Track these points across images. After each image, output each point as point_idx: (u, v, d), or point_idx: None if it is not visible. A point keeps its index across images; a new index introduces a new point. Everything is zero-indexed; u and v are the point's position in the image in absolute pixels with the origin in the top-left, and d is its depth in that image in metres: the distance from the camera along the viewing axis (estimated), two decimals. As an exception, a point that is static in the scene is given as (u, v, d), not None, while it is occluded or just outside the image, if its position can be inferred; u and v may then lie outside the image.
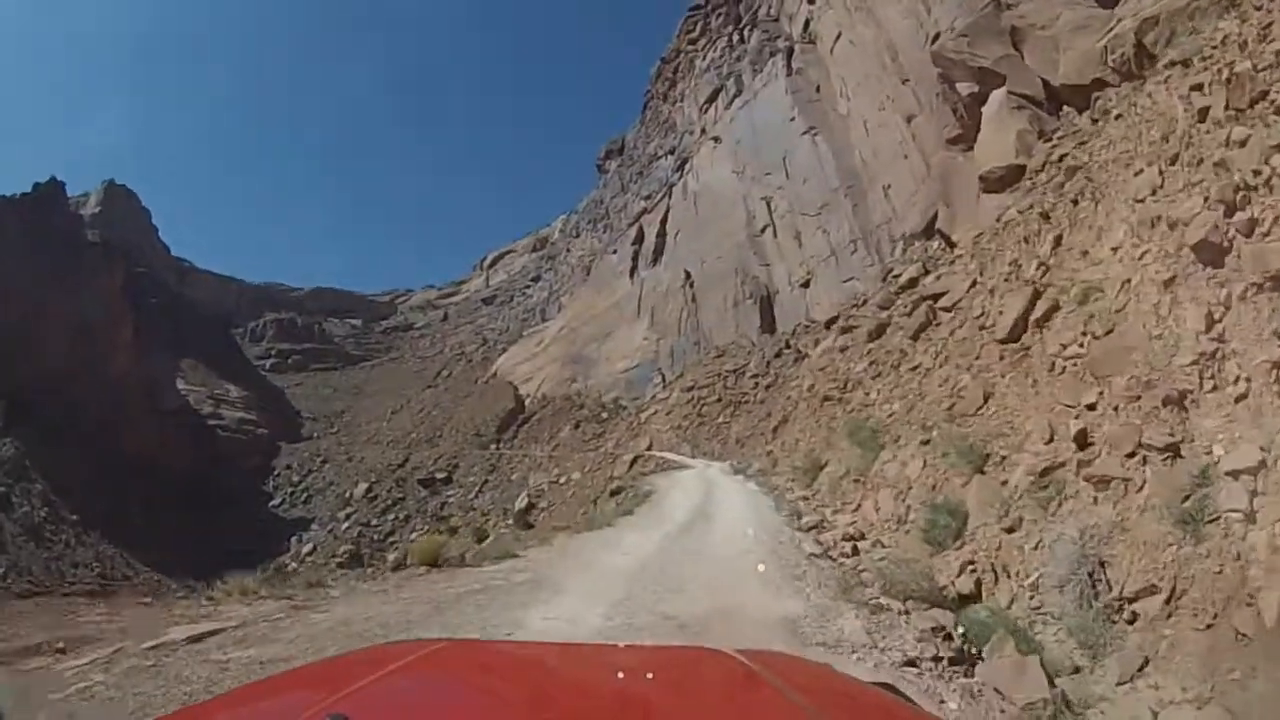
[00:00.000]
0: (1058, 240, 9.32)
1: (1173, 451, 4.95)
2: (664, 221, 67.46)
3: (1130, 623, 4.63)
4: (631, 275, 69.34)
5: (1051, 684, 3.98)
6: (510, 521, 42.51)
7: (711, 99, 66.19)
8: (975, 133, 21.87)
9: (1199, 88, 7.61)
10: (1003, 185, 19.18)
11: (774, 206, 53.42)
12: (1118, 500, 5.06)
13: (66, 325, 57.07)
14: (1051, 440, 6.15)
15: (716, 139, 63.03)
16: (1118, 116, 10.28)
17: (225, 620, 4.97)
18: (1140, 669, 4.29)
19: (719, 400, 42.54)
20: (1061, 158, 16.20)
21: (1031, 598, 5.23)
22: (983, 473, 6.89)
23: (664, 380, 55.59)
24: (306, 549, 56.12)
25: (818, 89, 51.90)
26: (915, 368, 13.77)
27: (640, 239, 70.80)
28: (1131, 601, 4.60)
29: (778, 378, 38.98)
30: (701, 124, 67.10)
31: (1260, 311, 4.84)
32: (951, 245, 21.32)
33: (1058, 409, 6.22)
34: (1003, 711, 3.80)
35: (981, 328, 11.05)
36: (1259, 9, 7.50)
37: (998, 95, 21.18)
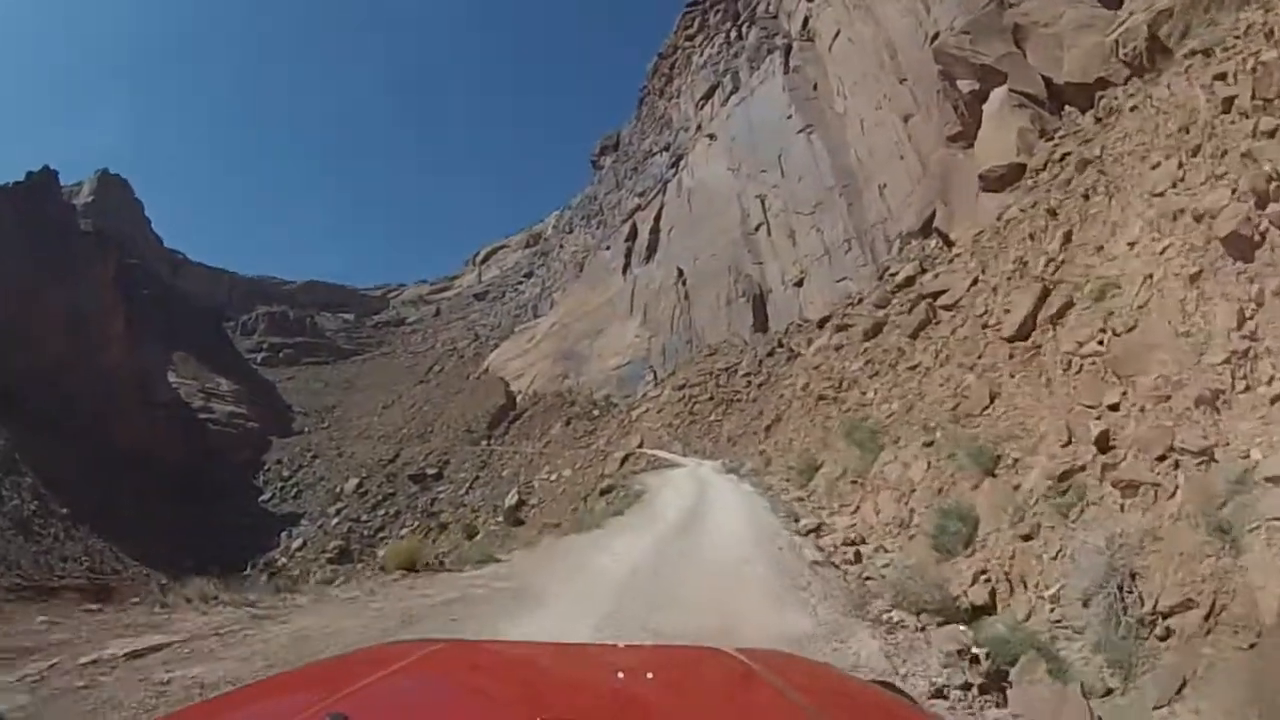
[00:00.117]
0: (1067, 236, 8.99)
1: (1207, 455, 4.60)
2: (658, 218, 67.08)
3: (1163, 639, 4.27)
4: (624, 272, 68.95)
5: (1092, 715, 3.61)
6: (500, 518, 42.16)
7: (708, 96, 65.80)
8: (975, 130, 21.60)
9: (1222, 77, 7.29)
10: (1003, 184, 18.91)
11: (768, 204, 53.13)
12: (1147, 507, 4.70)
13: (59, 316, 56.38)
14: (1069, 442, 5.79)
15: (712, 136, 62.66)
16: (1133, 109, 9.97)
17: (175, 632, 4.53)
18: (1179, 691, 3.93)
19: (711, 398, 42.24)
20: (1064, 156, 15.92)
21: (1051, 610, 4.87)
22: (993, 476, 6.53)
23: (656, 378, 55.25)
24: (297, 544, 55.79)
25: (815, 87, 51.62)
26: (914, 367, 13.45)
27: (634, 236, 70.38)
28: (1166, 617, 4.24)
29: (770, 376, 38.72)
30: (697, 121, 66.69)
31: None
32: (950, 244, 21.04)
33: (1076, 409, 5.87)
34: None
35: (984, 326, 10.72)
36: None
37: (999, 93, 20.90)
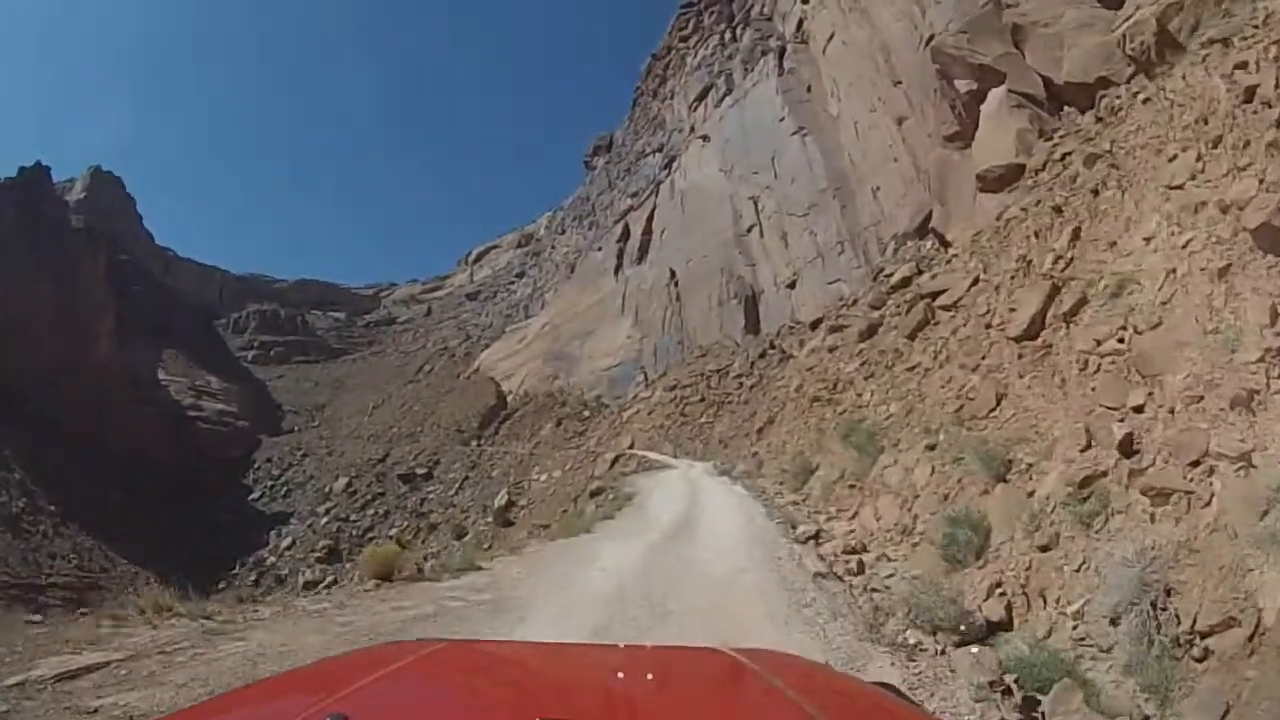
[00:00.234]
0: (1076, 233, 8.67)
1: (1245, 460, 4.26)
2: (650, 219, 66.74)
3: (1201, 660, 3.92)
4: (616, 273, 68.56)
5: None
6: (490, 519, 41.71)
7: (701, 97, 65.55)
8: (973, 131, 21.35)
9: (1243, 66, 6.99)
10: (1001, 184, 18.66)
11: (761, 206, 52.91)
12: (1180, 517, 4.35)
13: (49, 312, 55.72)
14: (1089, 446, 5.44)
15: (705, 137, 62.39)
16: (1146, 101, 9.69)
17: (118, 649, 4.09)
18: (1222, 717, 3.58)
19: (702, 400, 41.91)
20: (1065, 155, 15.68)
21: (1075, 627, 4.51)
22: (1005, 481, 6.18)
23: (647, 379, 54.89)
24: (286, 543, 55.39)
25: (809, 89, 51.47)
26: (913, 368, 13.13)
27: (626, 236, 70.00)
28: (1205, 636, 3.89)
29: (762, 378, 38.42)
30: (691, 122, 66.43)
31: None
32: (946, 245, 20.78)
33: (1097, 411, 5.52)
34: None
35: (988, 326, 10.40)
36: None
37: (997, 94, 20.67)
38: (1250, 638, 3.75)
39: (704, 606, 5.44)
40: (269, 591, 48.04)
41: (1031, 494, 5.77)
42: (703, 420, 39.34)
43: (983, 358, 9.58)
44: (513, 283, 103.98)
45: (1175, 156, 7.35)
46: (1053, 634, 4.62)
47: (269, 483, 67.59)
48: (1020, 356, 7.74)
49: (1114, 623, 4.32)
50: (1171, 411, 4.83)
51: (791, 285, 47.67)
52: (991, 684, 3.81)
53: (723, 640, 4.68)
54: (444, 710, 1.32)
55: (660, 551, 8.06)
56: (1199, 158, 6.88)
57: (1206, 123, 7.06)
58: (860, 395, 15.53)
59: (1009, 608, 4.95)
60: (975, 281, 12.83)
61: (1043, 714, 3.69)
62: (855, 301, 30.48)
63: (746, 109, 57.03)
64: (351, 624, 4.80)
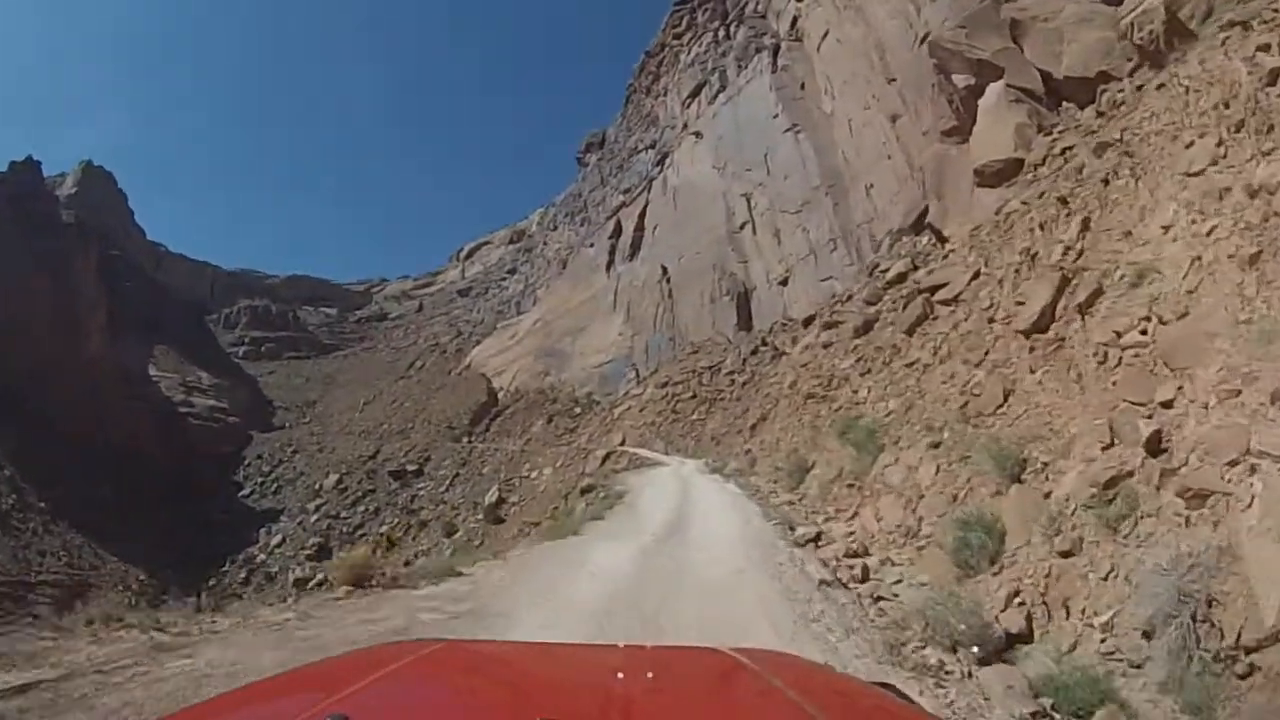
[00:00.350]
0: (1085, 223, 8.36)
1: (1289, 460, 3.92)
2: (642, 216, 66.36)
3: (1245, 678, 3.59)
4: (608, 269, 68.13)
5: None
6: (481, 516, 41.31)
7: (695, 94, 65.17)
8: (971, 126, 21.09)
9: (1265, 49, 6.69)
10: (1000, 179, 18.40)
11: (754, 203, 52.64)
12: (1219, 520, 4.02)
13: (40, 308, 55.03)
14: (1112, 444, 5.11)
15: (698, 134, 62.04)
16: (1160, 87, 9.39)
17: (54, 666, 3.67)
18: (1276, 745, 3.25)
19: (694, 397, 41.57)
20: (1066, 150, 15.42)
21: (1103, 640, 4.17)
22: (1020, 482, 5.84)
23: (638, 376, 54.54)
24: (276, 540, 55.04)
25: (802, 86, 51.20)
26: (912, 364, 12.81)
27: (618, 233, 69.57)
28: (1250, 651, 3.56)
29: (754, 375, 38.15)
30: (684, 119, 66.04)
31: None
32: (943, 240, 20.51)
33: (1120, 407, 5.19)
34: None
35: (991, 320, 10.09)
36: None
37: (995, 88, 20.41)
38: (1303, 654, 3.43)
39: (701, 620, 5.03)
40: (259, 589, 47.60)
41: (1048, 495, 5.44)
42: (694, 417, 39.03)
43: (986, 352, 9.26)
44: (504, 279, 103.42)
45: (1193, 143, 7.04)
46: (1078, 647, 4.28)
47: (259, 479, 67.23)
48: (1031, 350, 7.42)
49: (1147, 636, 3.98)
50: (1205, 407, 4.51)
51: (784, 282, 47.46)
52: (1034, 715, 3.44)
53: None
54: (444, 710, 1.32)
55: (653, 555, 7.65)
56: (1220, 142, 6.57)
57: (1227, 107, 6.75)
58: (856, 392, 15.21)
59: (1029, 618, 4.61)
60: (976, 275, 12.52)
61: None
62: (850, 297, 30.19)
63: (740, 106, 56.71)
64: (312, 639, 4.37)
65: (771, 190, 51.12)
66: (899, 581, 6.06)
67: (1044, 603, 4.66)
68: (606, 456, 33.05)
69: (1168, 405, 4.80)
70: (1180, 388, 4.78)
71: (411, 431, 67.25)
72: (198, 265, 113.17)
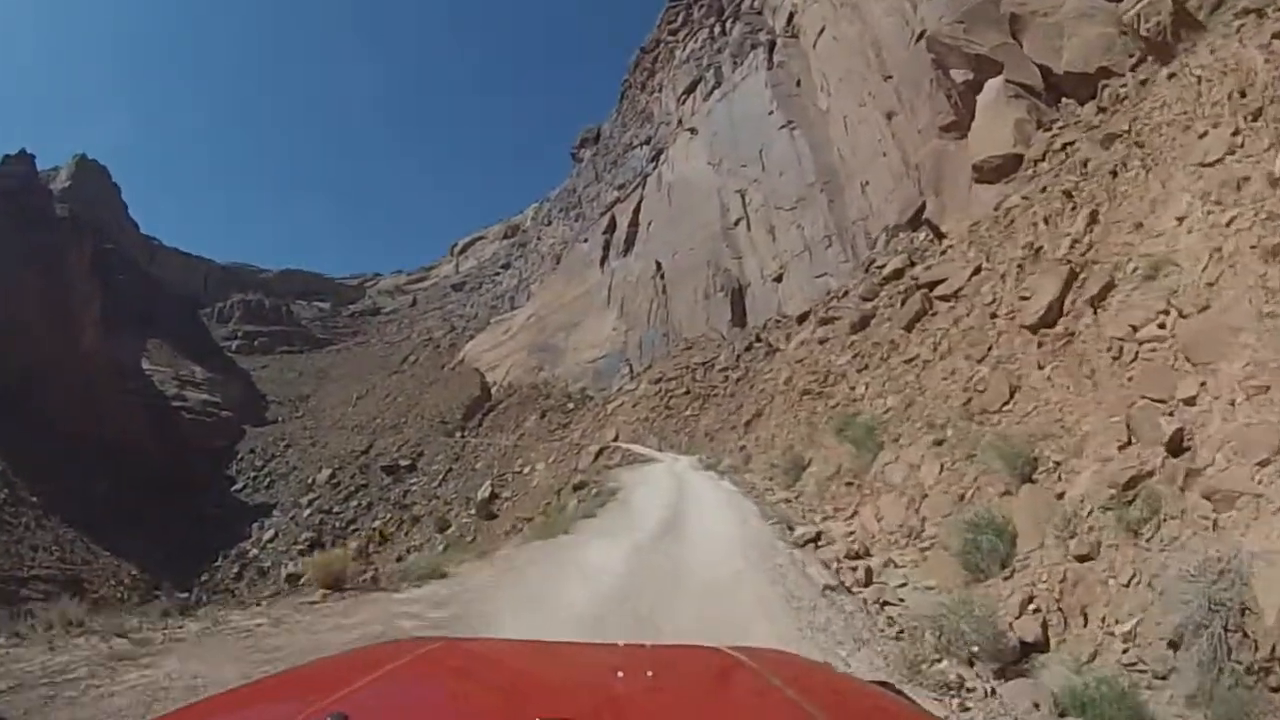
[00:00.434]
0: (1093, 216, 8.15)
1: (1324, 460, 3.70)
2: (637, 211, 66.05)
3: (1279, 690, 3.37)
4: (602, 265, 67.83)
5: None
6: (474, 511, 41.05)
7: (690, 90, 64.83)
8: (969, 121, 20.90)
9: (1282, 34, 6.47)
10: (999, 175, 18.22)
11: (749, 200, 52.43)
12: (1250, 524, 3.79)
13: (34, 301, 54.42)
14: (1130, 443, 4.88)
15: (693, 130, 61.73)
16: (1171, 76, 9.18)
17: (1, 677, 3.38)
18: (1316, 766, 3.03)
19: (687, 393, 41.38)
20: (1066, 146, 15.24)
21: (1125, 650, 3.94)
22: (1031, 481, 5.61)
23: (632, 371, 54.29)
24: (268, 535, 54.83)
25: (798, 83, 50.99)
26: (911, 360, 12.60)
27: (612, 228, 69.25)
28: (1287, 665, 3.33)
29: (748, 371, 38.00)
30: (679, 115, 65.71)
31: None
32: (941, 236, 20.32)
33: (1139, 403, 4.96)
34: None
35: (994, 315, 9.89)
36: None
37: (994, 84, 20.21)
38: (1345, 668, 3.20)
39: (699, 629, 4.73)
40: (252, 584, 47.21)
41: (1061, 496, 5.21)
42: (688, 413, 38.84)
43: (989, 348, 9.05)
44: (498, 274, 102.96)
45: (1206, 133, 6.83)
46: (1098, 657, 4.05)
47: (252, 474, 66.96)
48: (1039, 345, 7.19)
49: (1174, 646, 3.76)
50: (1231, 404, 4.28)
51: (778, 279, 47.32)
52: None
53: None
54: (444, 709, 1.32)
55: (647, 557, 7.33)
56: (1236, 131, 6.35)
57: (1243, 95, 6.54)
58: (854, 388, 15.01)
59: (1045, 626, 4.38)
60: (977, 270, 12.31)
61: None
62: (846, 293, 30.02)
63: (735, 102, 56.44)
64: (281, 649, 4.07)
65: (766, 187, 50.93)
66: (904, 585, 5.82)
67: (1060, 610, 4.43)
68: (599, 452, 32.80)
69: (1190, 402, 4.57)
70: (1203, 383, 4.56)
71: (404, 426, 66.94)
72: (191, 259, 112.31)
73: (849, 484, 10.16)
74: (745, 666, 1.55)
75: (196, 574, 49.22)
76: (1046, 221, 9.82)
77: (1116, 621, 4.05)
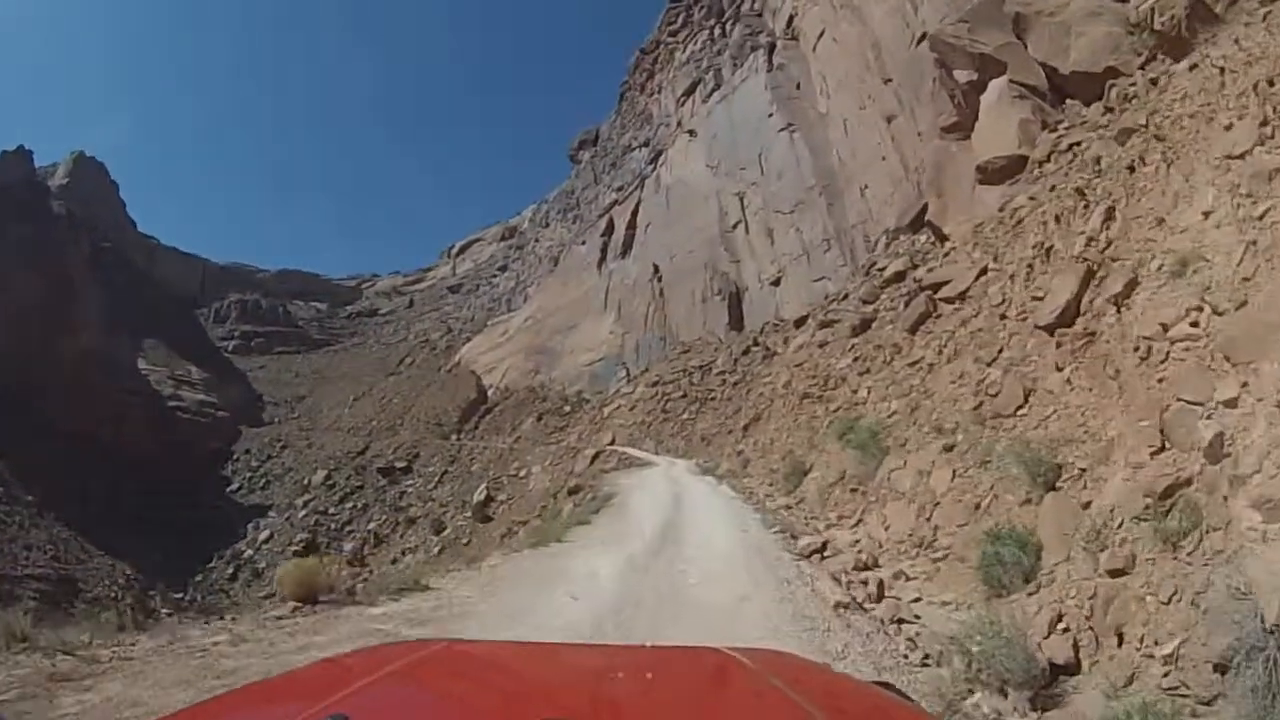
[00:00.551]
0: (1110, 213, 7.82)
1: (1388, 469, 3.38)
2: (635, 214, 65.81)
3: (1343, 726, 3.03)
4: (600, 267, 67.54)
5: None
6: (469, 514, 40.71)
7: (689, 92, 64.69)
8: (972, 122, 20.61)
9: (1314, 19, 6.17)
10: (1003, 176, 17.94)
11: (747, 203, 52.21)
12: (1308, 538, 3.46)
13: (31, 298, 53.95)
14: (1164, 448, 4.56)
15: (692, 132, 61.56)
16: (1192, 68, 8.91)
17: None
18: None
19: (684, 396, 41.08)
20: (1072, 146, 14.97)
21: (1166, 674, 3.61)
22: (1055, 489, 5.28)
23: (629, 375, 53.95)
24: (264, 536, 54.52)
25: (798, 86, 50.85)
26: (915, 363, 12.29)
27: (610, 231, 69.01)
28: (1354, 696, 3.00)
29: (746, 375, 37.74)
30: (678, 117, 65.55)
31: None
32: (943, 238, 20.03)
33: (1173, 406, 4.64)
34: None
35: (1003, 316, 9.57)
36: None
37: (998, 84, 19.94)
38: None
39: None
40: (246, 585, 46.64)
41: (1088, 505, 4.87)
42: (685, 417, 38.52)
43: (1000, 350, 8.73)
44: (495, 276, 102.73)
45: (1232, 124, 6.51)
46: (1135, 680, 3.71)
47: (248, 474, 66.77)
48: (1057, 346, 6.86)
49: (1221, 670, 3.42)
50: (1278, 405, 3.95)
51: (776, 283, 47.06)
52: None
53: None
54: (445, 711, 1.33)
55: (643, 569, 6.97)
56: (1265, 122, 6.03)
57: (1271, 85, 6.23)
58: (855, 392, 14.69)
59: (1076, 646, 4.04)
60: (984, 271, 12.01)
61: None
62: (845, 296, 29.73)
63: (734, 105, 56.29)
64: (237, 670, 3.69)
65: (765, 190, 50.69)
66: (918, 600, 5.48)
67: (1091, 629, 4.09)
68: (596, 456, 32.44)
69: (1231, 404, 4.25)
70: (1245, 384, 4.23)
71: (401, 428, 66.61)
72: (189, 258, 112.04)
73: (853, 490, 9.83)
74: (744, 667, 1.55)
75: (191, 574, 48.81)
76: (1058, 220, 9.51)
77: (1156, 642, 3.71)
